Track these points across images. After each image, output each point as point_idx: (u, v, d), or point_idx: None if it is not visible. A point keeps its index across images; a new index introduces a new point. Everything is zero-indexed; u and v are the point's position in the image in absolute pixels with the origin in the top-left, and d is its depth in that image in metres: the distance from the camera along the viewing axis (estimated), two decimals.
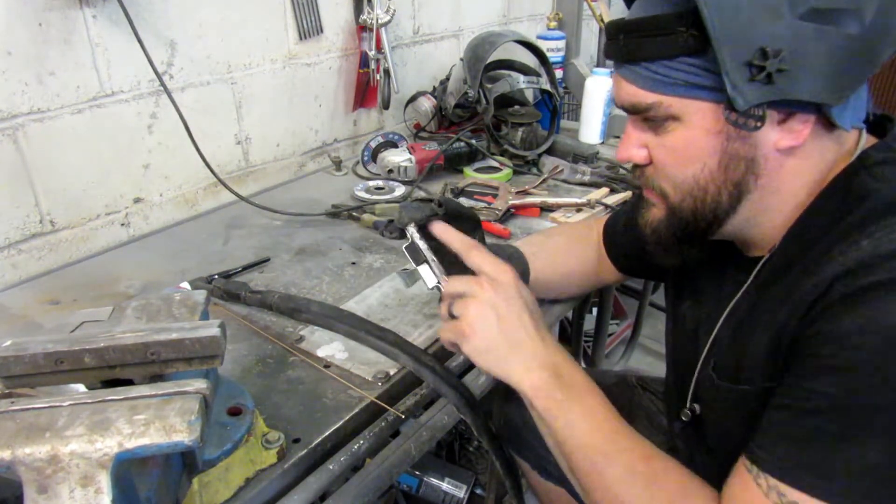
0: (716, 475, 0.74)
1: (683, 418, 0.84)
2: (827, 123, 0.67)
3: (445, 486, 1.57)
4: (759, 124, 0.65)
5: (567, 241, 1.14)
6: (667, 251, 0.78)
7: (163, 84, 1.22)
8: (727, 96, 0.63)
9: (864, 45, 0.62)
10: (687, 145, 0.69)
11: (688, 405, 0.83)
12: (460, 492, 1.57)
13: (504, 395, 1.26)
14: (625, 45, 0.69)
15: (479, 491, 1.62)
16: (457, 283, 0.78)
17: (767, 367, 0.68)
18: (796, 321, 0.64)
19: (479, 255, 0.79)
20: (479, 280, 0.76)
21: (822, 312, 0.61)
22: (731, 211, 0.72)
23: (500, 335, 0.74)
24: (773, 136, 0.67)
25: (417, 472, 1.57)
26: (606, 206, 1.41)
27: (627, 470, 0.70)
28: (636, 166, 0.77)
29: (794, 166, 0.69)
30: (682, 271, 0.91)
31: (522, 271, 1.02)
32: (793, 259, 0.69)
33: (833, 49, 0.61)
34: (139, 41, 1.18)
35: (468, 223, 0.90)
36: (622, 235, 1.06)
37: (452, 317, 0.77)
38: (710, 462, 0.82)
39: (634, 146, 0.75)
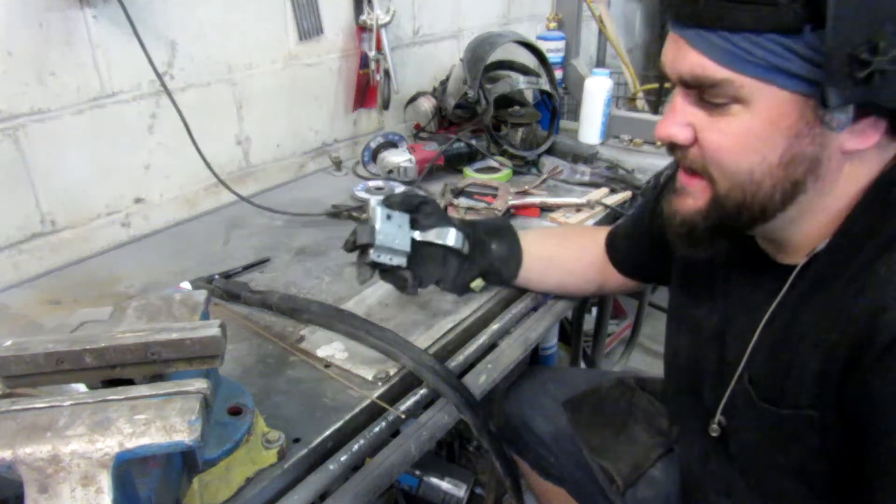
0: (737, 482, 0.73)
1: (713, 434, 0.79)
2: (894, 131, 0.62)
3: (445, 485, 1.57)
4: (845, 124, 0.59)
5: (572, 231, 1.17)
6: (693, 243, 0.72)
7: (163, 84, 1.22)
8: (812, 87, 0.57)
9: None
10: (749, 134, 0.62)
11: (716, 418, 0.79)
12: (460, 492, 1.57)
13: (504, 395, 1.26)
14: (705, 7, 0.60)
15: (479, 491, 1.62)
16: None
17: (814, 392, 0.65)
18: (848, 348, 0.60)
19: None
20: None
21: (882, 357, 0.57)
22: (780, 210, 0.66)
23: None
24: (842, 137, 0.61)
25: (417, 472, 1.58)
26: (606, 206, 1.41)
27: None
28: (675, 146, 0.69)
29: (851, 170, 0.64)
30: (694, 274, 0.87)
31: (509, 250, 1.04)
32: (835, 269, 0.65)
33: None
34: (139, 41, 1.18)
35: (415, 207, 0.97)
36: (624, 238, 1.06)
37: None
38: (730, 470, 0.80)
39: (680, 124, 0.67)
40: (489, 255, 1.02)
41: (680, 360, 0.90)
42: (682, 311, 0.90)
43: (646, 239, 1.00)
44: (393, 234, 0.92)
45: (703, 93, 0.64)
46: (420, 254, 0.96)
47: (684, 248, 0.74)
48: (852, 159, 0.64)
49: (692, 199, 0.70)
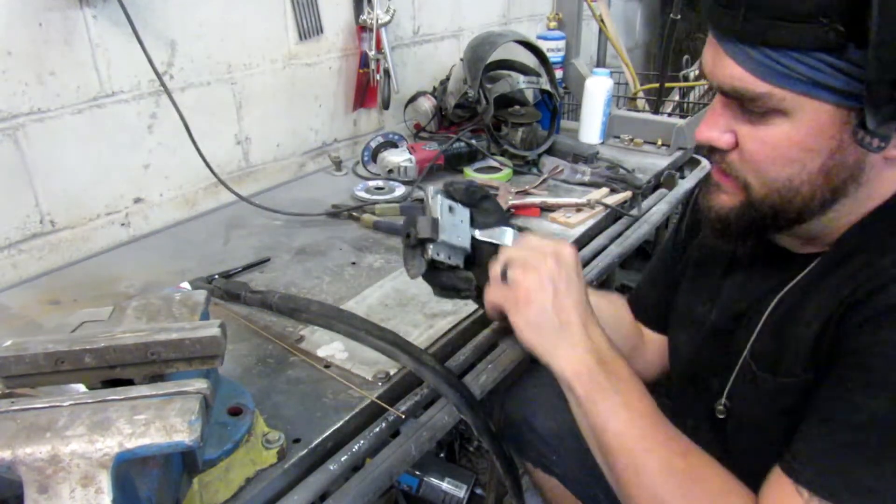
0: (734, 467, 0.73)
1: (719, 416, 0.80)
2: None
3: (445, 486, 1.57)
4: (883, 144, 0.59)
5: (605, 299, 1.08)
6: (727, 239, 0.74)
7: (163, 84, 1.22)
8: (853, 101, 0.58)
9: None
10: (791, 145, 0.63)
11: (722, 399, 0.80)
12: (460, 492, 1.57)
13: (505, 394, 1.26)
14: (745, 21, 0.60)
15: (479, 491, 1.62)
16: (520, 251, 0.75)
17: (809, 357, 0.66)
18: (842, 314, 0.62)
19: (538, 237, 0.77)
20: (544, 251, 0.73)
21: (873, 320, 0.59)
22: (819, 214, 0.67)
23: (553, 312, 0.71)
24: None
25: (417, 472, 1.58)
26: (606, 206, 1.41)
27: (666, 465, 0.66)
28: (713, 149, 0.70)
29: (892, 175, 0.65)
30: (698, 272, 0.88)
31: None
32: (848, 256, 0.66)
33: None
34: (139, 41, 1.18)
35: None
36: (648, 289, 1.03)
37: (504, 281, 0.74)
38: (728, 456, 0.81)
39: (720, 129, 0.68)
40: None
41: (682, 356, 0.91)
42: (682, 309, 0.91)
43: (672, 276, 0.98)
44: (455, 230, 0.81)
45: (744, 103, 0.64)
46: (475, 255, 0.86)
47: (718, 243, 0.76)
48: (894, 164, 0.64)
49: (726, 195, 0.71)
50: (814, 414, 0.63)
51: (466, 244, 0.82)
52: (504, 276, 0.74)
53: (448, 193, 0.84)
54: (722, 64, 0.64)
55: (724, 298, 0.83)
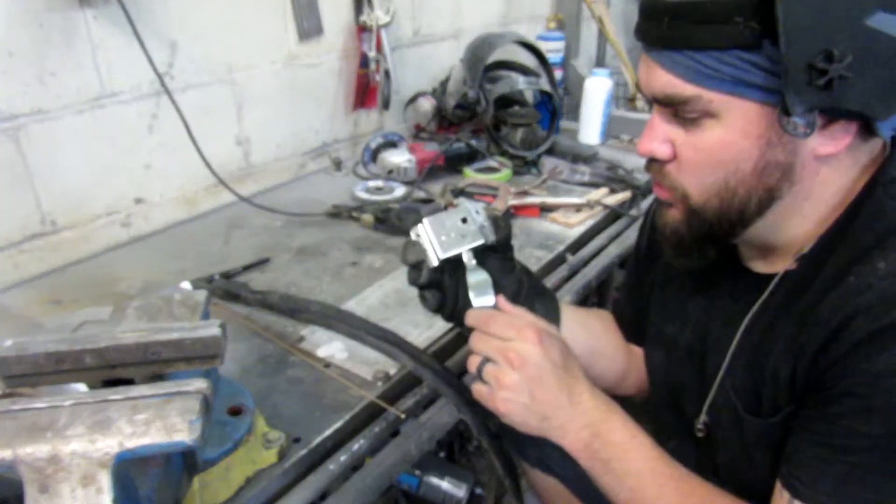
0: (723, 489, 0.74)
1: (698, 433, 0.82)
2: (865, 133, 0.64)
3: (445, 485, 1.57)
4: (809, 131, 0.61)
5: (604, 320, 1.06)
6: (684, 253, 0.75)
7: (163, 85, 1.22)
8: (778, 98, 0.59)
9: None
10: (723, 146, 0.65)
11: (699, 425, 0.81)
12: (460, 491, 1.56)
13: None
14: (669, 29, 0.63)
15: (479, 491, 1.62)
16: (483, 346, 0.74)
17: (789, 392, 0.68)
18: (815, 348, 0.63)
19: (504, 320, 0.74)
20: (506, 352, 0.72)
21: (852, 350, 0.60)
22: (758, 216, 0.68)
23: (534, 412, 0.73)
24: (813, 142, 0.63)
25: (417, 472, 1.57)
26: (606, 206, 1.42)
27: None
28: (652, 161, 0.72)
29: (827, 174, 0.66)
30: (667, 292, 0.89)
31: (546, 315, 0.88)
32: (810, 278, 0.67)
33: (894, 61, 0.58)
34: (140, 42, 1.18)
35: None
36: (626, 304, 1.03)
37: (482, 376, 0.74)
38: (716, 480, 0.81)
39: (659, 140, 0.69)
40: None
41: (658, 377, 0.92)
42: (654, 329, 0.92)
43: (641, 292, 0.98)
44: (447, 241, 0.76)
45: (677, 109, 0.67)
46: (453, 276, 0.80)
47: (676, 259, 0.77)
48: (828, 163, 0.66)
49: (673, 209, 0.73)
50: (808, 436, 0.64)
51: (438, 257, 0.76)
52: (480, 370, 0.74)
53: (484, 249, 0.78)
54: (654, 75, 0.67)
55: (691, 319, 0.84)
